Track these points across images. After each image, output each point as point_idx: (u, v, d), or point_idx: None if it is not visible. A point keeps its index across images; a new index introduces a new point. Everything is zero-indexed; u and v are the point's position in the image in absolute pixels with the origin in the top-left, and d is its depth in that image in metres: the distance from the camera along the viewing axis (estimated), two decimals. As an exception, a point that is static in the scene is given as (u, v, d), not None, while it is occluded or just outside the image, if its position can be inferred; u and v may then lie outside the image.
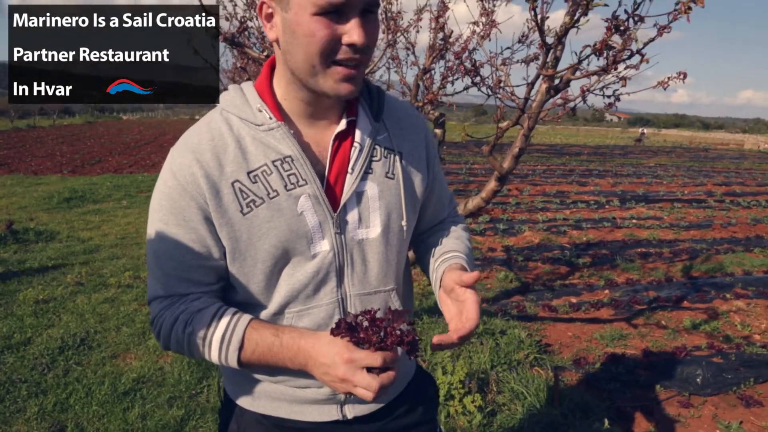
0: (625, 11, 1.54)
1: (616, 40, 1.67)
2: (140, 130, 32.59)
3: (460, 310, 1.01)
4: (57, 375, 3.31)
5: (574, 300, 4.82)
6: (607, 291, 5.11)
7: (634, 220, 8.38)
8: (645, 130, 36.21)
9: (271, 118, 0.99)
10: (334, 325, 0.91)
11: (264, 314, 1.04)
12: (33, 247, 6.22)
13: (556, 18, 2.07)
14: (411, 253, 1.64)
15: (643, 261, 6.15)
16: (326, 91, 0.95)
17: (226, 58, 6.75)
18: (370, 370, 0.88)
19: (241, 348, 0.97)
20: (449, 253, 1.15)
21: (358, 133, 1.04)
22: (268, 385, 1.09)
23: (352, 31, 0.89)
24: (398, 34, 3.33)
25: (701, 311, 4.60)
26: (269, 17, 0.95)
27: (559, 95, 2.28)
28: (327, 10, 0.88)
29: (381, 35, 3.55)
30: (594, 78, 2.12)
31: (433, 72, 3.45)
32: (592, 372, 3.47)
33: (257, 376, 1.10)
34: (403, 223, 1.08)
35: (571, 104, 2.37)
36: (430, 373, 1.40)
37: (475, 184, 11.97)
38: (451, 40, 3.26)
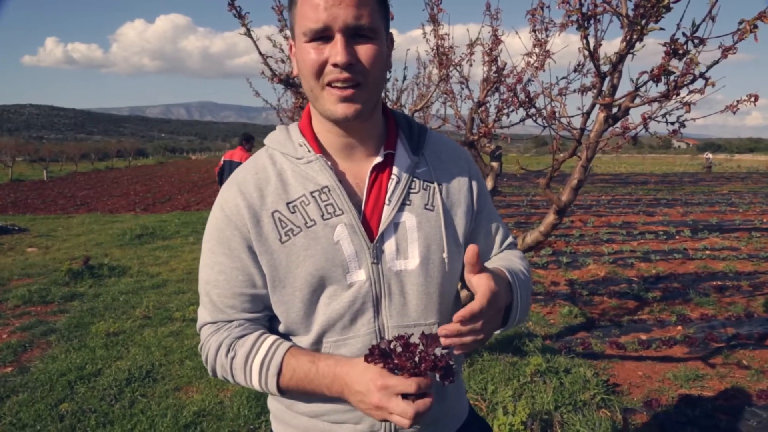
0: (683, 34, 1.47)
1: (675, 64, 1.60)
2: (207, 168, 34.08)
3: None
4: (123, 406, 3.42)
5: (643, 337, 4.56)
6: (679, 327, 4.81)
7: (707, 251, 7.91)
8: (710, 155, 34.17)
9: (309, 152, 1.04)
10: (367, 352, 0.90)
11: (304, 343, 1.05)
12: (106, 281, 6.55)
13: (614, 45, 2.02)
14: (465, 292, 1.59)
15: (720, 295, 5.77)
16: (326, 114, 1.00)
17: (286, 98, 7.00)
18: (405, 396, 0.86)
19: (279, 374, 1.00)
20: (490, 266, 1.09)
21: (395, 165, 1.06)
22: (306, 421, 1.10)
23: (333, 52, 0.93)
24: (451, 68, 3.34)
25: (788, 350, 4.24)
26: (294, 55, 1.03)
27: (618, 124, 2.20)
28: (313, 37, 0.94)
29: (434, 70, 3.59)
30: (655, 105, 2.04)
31: (488, 105, 3.43)
32: (665, 415, 3.24)
33: (294, 413, 1.10)
34: (444, 255, 1.06)
35: (632, 133, 2.28)
36: (484, 418, 1.34)
37: (537, 216, 11.71)
38: (504, 72, 3.24)
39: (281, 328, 1.07)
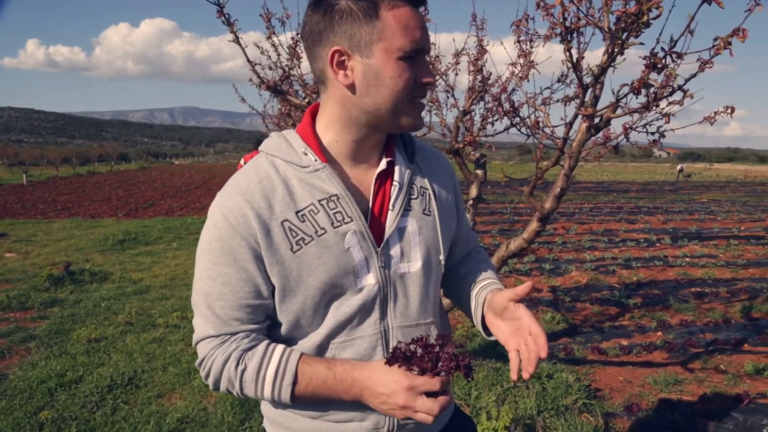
0: (662, 49, 1.53)
1: (654, 77, 1.65)
2: (191, 174, 33.84)
3: (516, 327, 1.05)
4: (105, 413, 3.38)
5: (624, 342, 4.63)
6: (659, 333, 4.89)
7: (687, 259, 8.05)
8: (683, 166, 35.85)
9: (316, 160, 1.04)
10: (389, 355, 0.96)
11: (308, 346, 1.06)
12: (88, 287, 6.47)
13: (597, 55, 2.07)
14: (446, 301, 1.66)
15: (699, 301, 5.88)
16: (404, 125, 1.05)
17: (272, 104, 6.99)
18: (428, 395, 0.93)
19: (294, 383, 1.00)
20: (486, 280, 1.22)
21: (397, 173, 1.10)
22: (309, 422, 1.10)
23: (427, 73, 1.03)
24: (437, 77, 3.38)
25: (764, 355, 4.33)
26: (341, 65, 1.00)
27: (600, 134, 2.25)
28: (408, 55, 0.99)
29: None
30: (636, 115, 2.09)
31: (473, 113, 3.48)
32: (646, 419, 3.29)
33: (296, 415, 1.11)
34: (441, 257, 1.14)
35: (614, 142, 2.34)
36: (471, 417, 1.39)
37: (520, 223, 11.81)
38: (489, 81, 3.29)
39: (284, 332, 1.08)
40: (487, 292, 1.16)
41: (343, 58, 0.99)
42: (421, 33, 0.99)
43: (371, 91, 1.00)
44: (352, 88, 1.01)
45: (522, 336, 1.03)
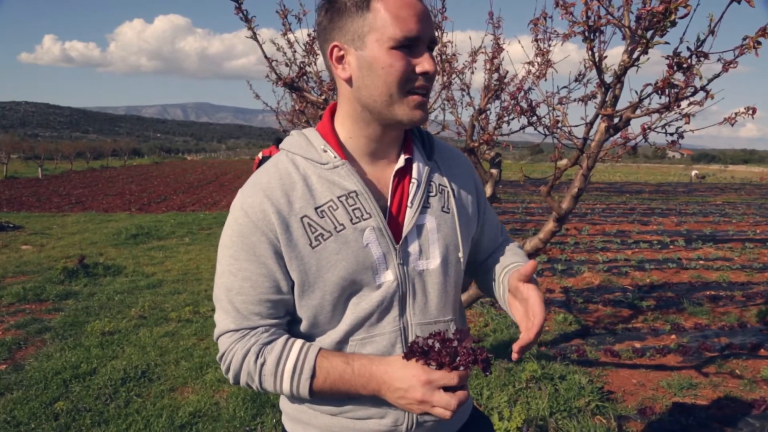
0: (688, 48, 1.51)
1: (679, 77, 1.63)
2: (203, 170, 34.00)
3: (526, 309, 1.05)
4: (119, 405, 3.41)
5: (637, 345, 4.59)
6: (673, 336, 4.85)
7: (701, 261, 7.96)
8: (696, 172, 35.51)
9: (335, 157, 1.05)
10: (406, 350, 0.95)
11: (328, 342, 1.07)
12: (101, 280, 6.53)
13: (615, 54, 2.05)
14: (464, 296, 1.65)
15: (713, 305, 5.81)
16: (401, 118, 1.02)
17: (285, 101, 6.99)
18: (446, 389, 0.93)
19: (313, 377, 1.01)
20: (512, 264, 1.21)
21: (415, 170, 1.11)
22: (329, 419, 1.10)
23: (424, 62, 0.99)
24: (453, 75, 3.37)
25: (780, 360, 4.28)
26: (340, 59, 1.02)
27: (618, 134, 2.23)
28: (403, 44, 0.97)
29: (436, 77, 3.60)
30: (655, 116, 2.07)
31: (488, 112, 3.46)
32: (659, 423, 3.26)
33: (316, 412, 1.11)
34: (460, 254, 1.14)
35: (632, 143, 2.31)
36: (487, 416, 1.38)
37: (532, 223, 11.75)
38: (506, 80, 3.27)
39: (304, 329, 1.08)
40: (509, 276, 1.16)
41: (341, 52, 1.02)
42: (416, 21, 0.97)
43: (366, 82, 1.00)
44: (350, 81, 1.02)
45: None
